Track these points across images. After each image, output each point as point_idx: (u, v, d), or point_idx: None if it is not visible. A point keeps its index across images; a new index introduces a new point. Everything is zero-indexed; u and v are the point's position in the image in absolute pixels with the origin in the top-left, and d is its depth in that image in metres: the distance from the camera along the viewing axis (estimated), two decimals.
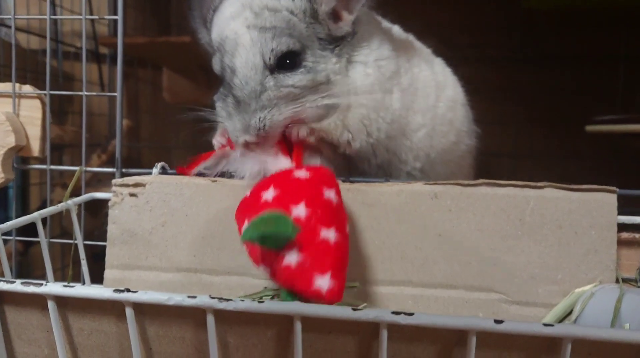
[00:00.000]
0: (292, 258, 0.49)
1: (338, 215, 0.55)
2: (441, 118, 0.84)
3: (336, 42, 0.73)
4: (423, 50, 0.91)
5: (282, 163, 0.67)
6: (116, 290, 0.46)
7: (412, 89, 0.80)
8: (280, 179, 0.61)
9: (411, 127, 0.80)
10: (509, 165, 1.66)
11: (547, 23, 1.60)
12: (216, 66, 0.73)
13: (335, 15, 0.73)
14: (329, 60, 0.72)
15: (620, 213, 0.65)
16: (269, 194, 0.57)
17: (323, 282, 0.47)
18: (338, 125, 0.72)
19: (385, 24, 0.87)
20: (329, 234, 0.51)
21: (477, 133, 0.94)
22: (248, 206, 0.59)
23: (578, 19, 1.54)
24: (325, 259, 0.49)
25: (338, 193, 0.59)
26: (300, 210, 0.53)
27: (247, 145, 0.68)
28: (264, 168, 0.67)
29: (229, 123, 0.70)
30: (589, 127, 1.26)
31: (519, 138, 1.65)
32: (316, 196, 0.55)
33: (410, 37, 0.91)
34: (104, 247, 0.75)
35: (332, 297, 0.46)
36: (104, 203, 0.81)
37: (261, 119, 0.67)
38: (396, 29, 0.89)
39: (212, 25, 0.76)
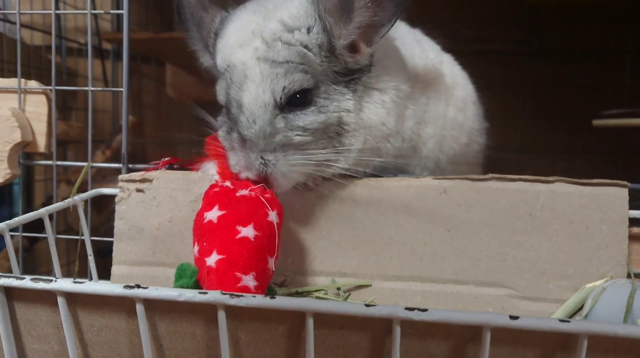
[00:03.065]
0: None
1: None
2: (451, 122, 0.82)
3: (352, 75, 0.69)
4: (432, 49, 0.88)
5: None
6: (127, 286, 0.46)
7: (425, 99, 0.78)
8: (198, 231, 0.61)
9: (422, 141, 0.78)
10: (514, 160, 1.65)
11: (552, 17, 1.59)
12: (220, 95, 0.69)
13: (353, 48, 0.69)
14: (342, 96, 0.68)
15: (630, 207, 0.65)
16: (195, 250, 0.60)
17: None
18: (357, 170, 0.70)
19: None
20: (210, 260, 0.57)
21: (487, 129, 0.93)
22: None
23: (584, 12, 1.53)
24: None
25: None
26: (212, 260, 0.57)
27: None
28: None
29: (232, 156, 0.66)
30: (596, 122, 1.25)
31: (525, 133, 1.65)
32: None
33: (418, 34, 0.89)
34: (108, 243, 0.75)
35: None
36: (109, 198, 0.80)
37: (267, 162, 0.64)
38: (403, 30, 0.85)
39: (216, 51, 0.72)
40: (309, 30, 0.66)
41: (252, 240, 0.57)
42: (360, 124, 0.69)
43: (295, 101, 0.65)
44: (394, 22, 0.67)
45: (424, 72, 0.81)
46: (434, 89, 0.81)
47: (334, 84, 0.68)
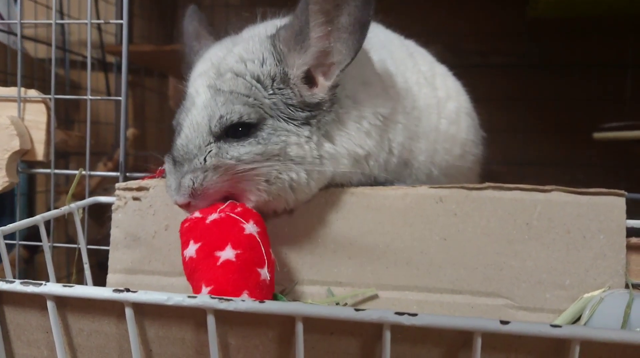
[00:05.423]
0: None
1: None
2: (444, 135, 0.81)
3: (311, 110, 0.66)
4: (424, 62, 0.87)
5: None
6: (116, 290, 0.46)
7: (416, 113, 0.78)
8: (186, 271, 0.60)
9: (413, 155, 0.78)
10: (516, 172, 1.65)
11: (554, 30, 1.60)
12: (175, 119, 0.69)
13: (309, 81, 0.66)
14: (291, 132, 0.64)
15: (628, 217, 0.64)
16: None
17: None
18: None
19: (378, 39, 0.79)
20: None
21: (484, 139, 0.93)
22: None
23: (585, 26, 1.54)
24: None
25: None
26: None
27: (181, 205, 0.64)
28: None
29: (166, 179, 0.66)
30: (597, 135, 1.25)
31: (527, 145, 1.64)
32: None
33: (411, 46, 0.88)
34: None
35: None
36: (110, 210, 0.80)
37: (193, 179, 0.62)
38: (395, 45, 0.84)
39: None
40: (262, 63, 0.65)
41: (234, 260, 0.56)
42: (317, 156, 0.66)
43: (237, 132, 0.63)
44: (352, 59, 0.64)
45: (415, 87, 0.81)
46: (425, 103, 0.80)
47: (285, 120, 0.65)
